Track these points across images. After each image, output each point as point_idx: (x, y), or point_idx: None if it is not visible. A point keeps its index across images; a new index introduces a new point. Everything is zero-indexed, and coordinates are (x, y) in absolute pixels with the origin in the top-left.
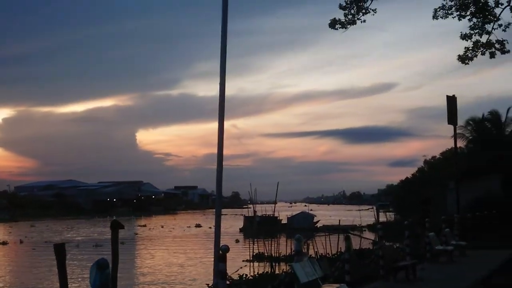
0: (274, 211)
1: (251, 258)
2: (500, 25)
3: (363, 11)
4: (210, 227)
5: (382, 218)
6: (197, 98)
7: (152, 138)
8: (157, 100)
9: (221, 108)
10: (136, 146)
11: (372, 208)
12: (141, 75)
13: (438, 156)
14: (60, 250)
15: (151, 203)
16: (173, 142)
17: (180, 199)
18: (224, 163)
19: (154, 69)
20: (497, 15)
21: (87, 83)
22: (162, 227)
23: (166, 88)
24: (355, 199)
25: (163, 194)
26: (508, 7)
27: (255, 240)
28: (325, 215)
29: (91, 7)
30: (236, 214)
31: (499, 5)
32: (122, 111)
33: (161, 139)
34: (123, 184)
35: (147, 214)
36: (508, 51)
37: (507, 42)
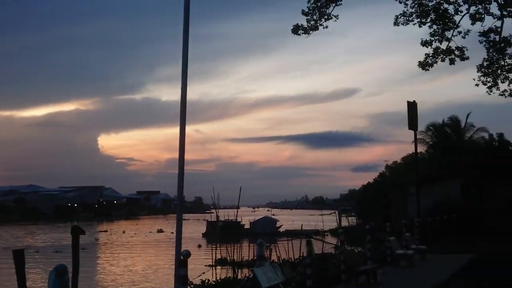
0: (236, 216)
1: (213, 263)
2: (459, 32)
3: (325, 17)
4: (172, 232)
5: (344, 223)
6: (161, 102)
7: (114, 142)
8: (120, 104)
9: (183, 113)
10: (98, 151)
11: (335, 212)
12: (104, 79)
13: (399, 161)
14: (19, 256)
15: (113, 208)
16: (136, 146)
17: (143, 204)
18: (187, 168)
19: (118, 73)
20: (457, 22)
21: (48, 87)
22: (124, 232)
23: (129, 92)
24: (318, 203)
25: (125, 199)
26: (467, 14)
27: (218, 245)
28: (288, 219)
29: (51, 9)
30: (199, 219)
31: (459, 13)
32: (84, 116)
33: (124, 144)
34: (84, 189)
35: (108, 219)
36: (468, 58)
37: (466, 49)
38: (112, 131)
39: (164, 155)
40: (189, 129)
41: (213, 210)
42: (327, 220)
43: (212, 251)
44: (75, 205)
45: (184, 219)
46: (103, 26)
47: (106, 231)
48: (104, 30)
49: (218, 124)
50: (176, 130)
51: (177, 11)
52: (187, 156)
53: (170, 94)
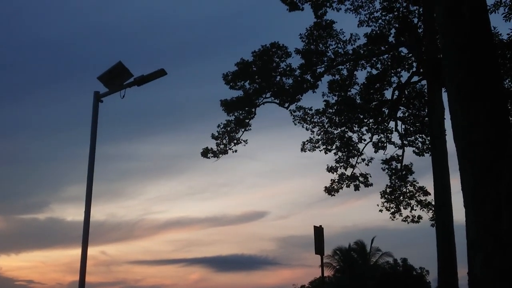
0: None
1: None
2: (363, 160)
3: (235, 141)
4: None
5: None
6: (65, 222)
7: (14, 264)
8: (22, 224)
9: (85, 234)
10: None
11: None
12: (5, 197)
13: (307, 285)
14: None
15: None
16: (37, 268)
17: None
18: None
19: (20, 191)
20: (361, 150)
21: None
22: None
23: (32, 211)
24: None
25: None
26: (371, 143)
27: None
28: None
29: None
30: None
31: (362, 141)
32: None
33: (24, 265)
34: None
35: None
36: (371, 184)
37: (370, 176)
38: (13, 252)
39: (67, 277)
40: (94, 250)
41: None
42: None
43: None
44: None
45: None
46: (6, 143)
47: None
48: (7, 146)
49: (124, 245)
50: (80, 251)
51: (85, 130)
52: (91, 278)
53: (75, 214)
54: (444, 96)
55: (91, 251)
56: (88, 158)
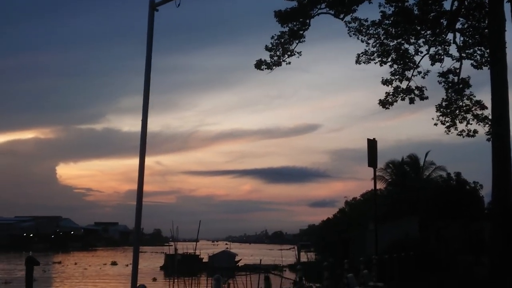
0: (195, 249)
1: None
2: (419, 72)
3: (289, 53)
4: (127, 265)
5: (303, 258)
6: (122, 133)
7: (73, 172)
8: (80, 133)
9: (143, 144)
10: (56, 180)
11: (294, 248)
12: (65, 108)
13: (358, 197)
14: None
15: (70, 239)
16: (95, 177)
17: (100, 235)
18: (146, 199)
19: (79, 102)
20: (417, 63)
21: (6, 114)
22: (76, 264)
23: (90, 122)
24: (277, 238)
25: (82, 230)
26: (427, 55)
27: (176, 278)
28: (247, 254)
29: (14, 37)
30: (157, 252)
31: (419, 53)
32: (42, 144)
33: (83, 174)
34: (41, 219)
35: (65, 251)
36: (427, 98)
37: (426, 89)
38: (71, 161)
39: (124, 186)
40: (149, 160)
41: (172, 243)
42: (286, 255)
43: (169, 285)
44: (31, 235)
45: (141, 252)
46: (65, 55)
47: (60, 262)
48: (66, 59)
49: (179, 156)
50: (136, 161)
51: (140, 42)
52: (147, 187)
53: (131, 125)
54: (506, 7)
55: (147, 161)
56: (145, 67)
